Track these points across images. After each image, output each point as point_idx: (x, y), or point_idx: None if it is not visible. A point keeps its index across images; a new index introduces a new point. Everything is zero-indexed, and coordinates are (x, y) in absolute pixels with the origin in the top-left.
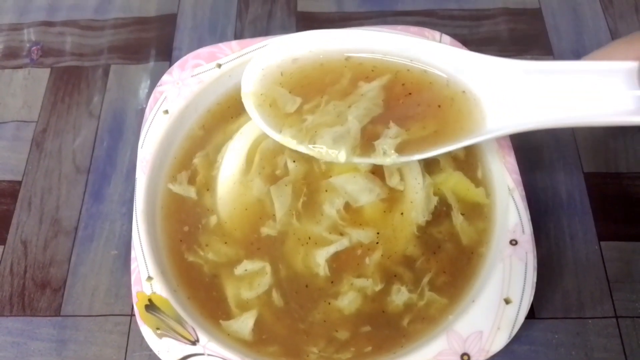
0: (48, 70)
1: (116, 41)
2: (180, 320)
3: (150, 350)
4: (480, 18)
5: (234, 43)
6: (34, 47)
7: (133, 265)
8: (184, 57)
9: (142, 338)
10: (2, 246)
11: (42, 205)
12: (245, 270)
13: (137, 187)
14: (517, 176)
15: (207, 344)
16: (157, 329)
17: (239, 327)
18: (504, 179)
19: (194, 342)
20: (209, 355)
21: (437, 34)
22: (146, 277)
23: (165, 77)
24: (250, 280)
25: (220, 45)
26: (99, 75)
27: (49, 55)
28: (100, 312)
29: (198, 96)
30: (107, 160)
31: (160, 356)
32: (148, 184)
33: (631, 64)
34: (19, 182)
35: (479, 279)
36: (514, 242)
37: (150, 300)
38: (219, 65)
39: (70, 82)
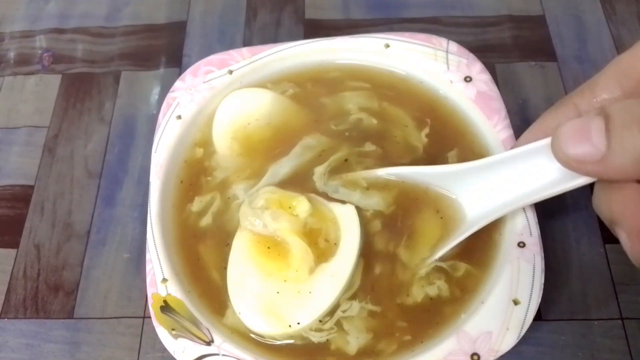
0: (59, 76)
1: (126, 48)
2: (195, 321)
3: (163, 352)
4: (484, 25)
5: (245, 50)
6: (46, 54)
7: (148, 268)
8: (196, 64)
9: (155, 340)
10: (16, 250)
11: (55, 209)
12: None
13: (151, 191)
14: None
15: (222, 345)
16: (173, 329)
17: (235, 321)
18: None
19: (209, 343)
20: (223, 355)
21: (444, 41)
22: (161, 279)
23: (177, 83)
24: None
25: (231, 52)
26: (110, 81)
27: (60, 61)
28: (112, 315)
29: (210, 102)
30: (118, 165)
31: (175, 356)
32: (162, 188)
33: (546, 141)
34: (32, 187)
35: (488, 281)
36: (521, 245)
37: (165, 301)
38: (230, 72)
39: (82, 88)
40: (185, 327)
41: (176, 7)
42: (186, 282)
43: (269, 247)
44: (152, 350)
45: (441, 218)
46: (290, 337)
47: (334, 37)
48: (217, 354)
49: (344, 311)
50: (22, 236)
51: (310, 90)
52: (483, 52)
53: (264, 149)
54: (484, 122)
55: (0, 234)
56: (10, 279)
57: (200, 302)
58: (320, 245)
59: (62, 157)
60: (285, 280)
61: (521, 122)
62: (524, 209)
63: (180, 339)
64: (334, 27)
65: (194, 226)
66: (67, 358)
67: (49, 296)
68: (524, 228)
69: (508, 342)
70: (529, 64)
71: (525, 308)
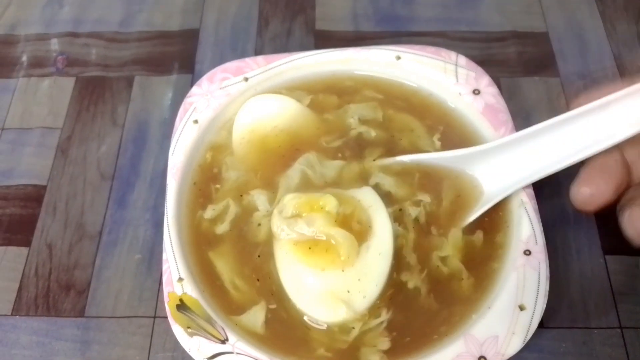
0: (73, 79)
1: (140, 54)
2: (210, 320)
3: (173, 351)
4: (490, 40)
5: (260, 58)
6: (60, 57)
7: (164, 267)
8: (213, 70)
9: (165, 340)
10: (28, 248)
11: (67, 210)
12: None
13: (168, 193)
14: (530, 190)
15: (236, 343)
16: (188, 327)
17: (249, 321)
18: (518, 193)
19: (224, 341)
20: (237, 353)
21: (453, 54)
22: (177, 279)
23: (194, 89)
24: None
25: (247, 59)
26: (123, 86)
27: (74, 65)
28: (123, 314)
29: (225, 107)
30: (131, 168)
31: (191, 354)
32: (178, 190)
33: (551, 121)
34: (44, 187)
35: (495, 287)
36: (527, 252)
37: (181, 300)
38: (246, 79)
39: (95, 91)
40: (200, 326)
41: (189, 15)
42: (199, 282)
43: (310, 248)
44: (162, 350)
45: (459, 196)
46: (363, 319)
47: (346, 48)
48: (232, 352)
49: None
50: (34, 235)
51: (321, 99)
52: (488, 66)
53: (276, 154)
54: (492, 134)
55: (12, 232)
56: (22, 277)
57: (213, 302)
58: (356, 229)
59: (75, 159)
60: (342, 270)
61: None
62: (530, 218)
63: (195, 337)
64: (344, 38)
65: (209, 233)
66: (77, 356)
67: (61, 295)
68: (530, 237)
69: (514, 346)
70: (532, 79)
71: (530, 314)
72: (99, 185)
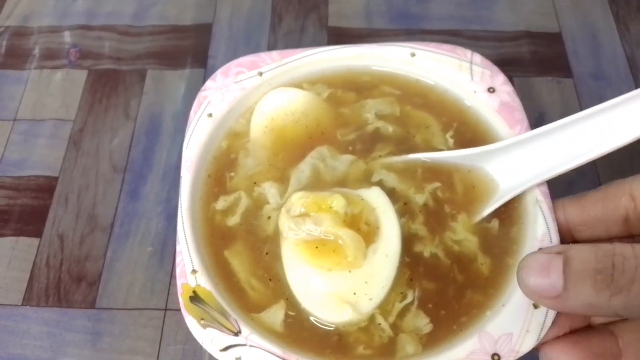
0: (86, 72)
1: (153, 47)
2: (223, 312)
3: (184, 344)
4: (503, 39)
5: (275, 53)
6: (73, 49)
7: (178, 259)
8: (227, 65)
9: (177, 332)
10: (39, 239)
11: (79, 201)
12: None
13: (182, 185)
14: (545, 189)
15: (249, 336)
16: (202, 319)
17: (269, 319)
18: (532, 191)
19: (237, 334)
20: (250, 346)
21: (468, 52)
22: (191, 270)
23: (208, 83)
24: None
25: (262, 54)
26: (136, 79)
27: (87, 57)
28: (135, 306)
29: (240, 101)
30: (143, 161)
31: (204, 345)
32: (192, 182)
33: (563, 121)
34: (56, 178)
35: (509, 284)
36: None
37: (194, 292)
38: (261, 74)
39: (108, 84)
40: (214, 318)
41: (203, 9)
42: (213, 275)
43: (317, 247)
44: (173, 342)
45: (474, 187)
46: (367, 319)
47: (361, 45)
48: (245, 345)
49: (401, 301)
50: (46, 226)
51: (340, 94)
52: (502, 65)
53: (294, 144)
54: (507, 132)
55: (24, 223)
56: (33, 268)
57: (227, 295)
58: (363, 230)
59: (87, 151)
60: (349, 271)
61: None
62: (544, 217)
63: (208, 329)
64: (357, 35)
65: (221, 226)
66: (88, 347)
67: (72, 286)
68: (545, 234)
69: (528, 343)
70: (546, 79)
71: (544, 312)
72: (111, 177)
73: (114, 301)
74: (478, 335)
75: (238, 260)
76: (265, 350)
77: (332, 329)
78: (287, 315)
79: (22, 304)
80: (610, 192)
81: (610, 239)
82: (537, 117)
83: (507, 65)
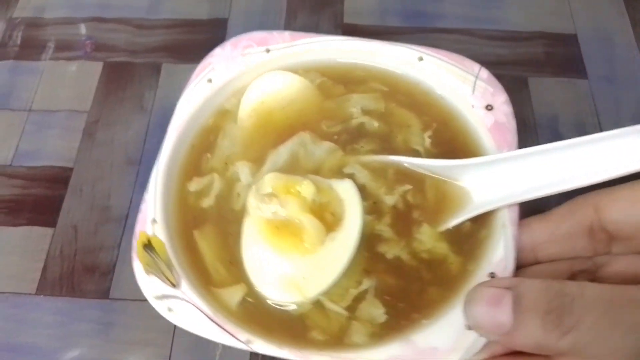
0: (101, 64)
1: (167, 41)
2: (169, 265)
3: (197, 336)
4: (517, 39)
5: (287, 33)
6: (88, 41)
7: (142, 206)
8: (239, 36)
9: None
10: (53, 229)
11: (93, 192)
12: None
13: (166, 137)
14: (515, 215)
15: (186, 291)
16: (148, 266)
17: (226, 297)
18: (502, 215)
19: (175, 286)
20: (183, 299)
21: (476, 66)
22: (151, 219)
23: (216, 50)
24: None
25: (274, 32)
26: (150, 72)
27: (101, 49)
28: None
29: (242, 74)
30: (158, 153)
31: (142, 289)
32: (177, 140)
33: (551, 145)
34: (70, 169)
35: (452, 301)
36: (492, 275)
37: (149, 240)
38: (268, 50)
39: (123, 77)
40: (159, 268)
41: (218, 4)
42: (174, 230)
43: (277, 228)
44: (186, 334)
45: (444, 197)
46: (310, 302)
47: (372, 40)
48: (179, 297)
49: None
50: (60, 216)
51: (329, 85)
52: (516, 65)
53: (278, 129)
54: (493, 151)
55: (37, 212)
56: (46, 257)
57: (182, 253)
58: (327, 219)
59: (102, 142)
60: (303, 255)
61: (551, 135)
62: (506, 243)
63: (151, 276)
64: (371, 32)
65: (194, 206)
66: (100, 337)
67: (85, 276)
68: (500, 261)
69: None
70: (560, 80)
71: (475, 336)
72: (125, 169)
73: (127, 292)
74: (400, 342)
75: (206, 243)
76: (196, 307)
77: (288, 311)
78: (245, 299)
79: (36, 293)
80: (575, 207)
81: (574, 256)
82: (551, 118)
83: (522, 65)
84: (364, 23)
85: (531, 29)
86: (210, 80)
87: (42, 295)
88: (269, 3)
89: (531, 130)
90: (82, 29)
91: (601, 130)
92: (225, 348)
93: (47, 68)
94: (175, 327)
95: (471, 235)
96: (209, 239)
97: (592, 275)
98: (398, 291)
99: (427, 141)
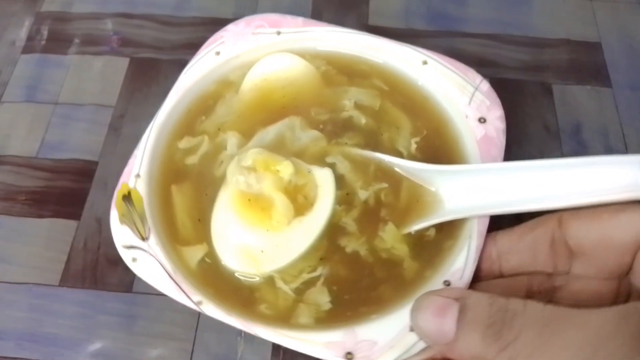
0: (127, 59)
1: (193, 39)
2: (143, 218)
3: (220, 332)
4: (542, 46)
5: (300, 19)
6: (115, 37)
7: (130, 160)
8: (253, 16)
9: (213, 319)
10: (77, 222)
11: None
12: None
13: (166, 101)
14: (483, 229)
15: (152, 246)
16: (123, 216)
17: (188, 255)
18: (471, 226)
19: (144, 239)
20: (148, 253)
21: (478, 78)
22: (136, 174)
23: (230, 26)
24: None
25: (288, 16)
26: (176, 69)
27: (128, 45)
28: None
29: (249, 52)
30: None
31: (113, 236)
32: (175, 103)
33: (532, 163)
34: (96, 163)
35: (401, 302)
36: (446, 283)
37: (129, 192)
38: (279, 33)
39: (149, 73)
40: (132, 219)
41: (244, 3)
42: (156, 185)
43: (249, 200)
44: (208, 330)
45: (417, 201)
46: (261, 276)
47: (380, 38)
48: (145, 250)
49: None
50: (84, 209)
51: (333, 74)
52: (540, 71)
53: (271, 109)
54: (475, 163)
55: (62, 205)
56: (70, 250)
57: (158, 206)
58: (299, 201)
59: (127, 137)
60: (267, 230)
61: (576, 143)
62: (467, 255)
63: (124, 226)
64: (396, 35)
65: (179, 162)
66: (122, 330)
67: (108, 269)
68: (458, 270)
69: (385, 358)
70: (584, 88)
71: (416, 338)
72: None
73: (149, 286)
74: (344, 331)
75: (181, 198)
76: (158, 262)
77: (242, 281)
78: (204, 259)
79: (59, 285)
80: (541, 220)
81: (534, 270)
82: (575, 126)
83: (546, 71)
84: (389, 25)
85: (556, 35)
86: (218, 53)
87: (65, 287)
88: (295, 3)
89: (554, 138)
90: (109, 24)
91: (624, 139)
92: (247, 342)
93: (73, 62)
94: (198, 323)
95: (435, 244)
96: (184, 195)
97: (549, 296)
98: (347, 284)
99: (413, 146)
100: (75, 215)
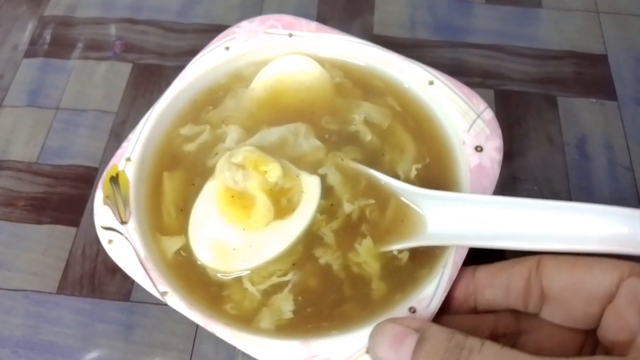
0: (130, 65)
1: (197, 45)
2: (126, 202)
3: (218, 343)
4: (547, 58)
5: (314, 24)
6: (118, 42)
7: (124, 144)
8: (268, 15)
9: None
10: (76, 228)
11: None
12: None
13: (168, 89)
14: (460, 259)
15: (131, 231)
16: (107, 197)
17: (165, 245)
18: (449, 255)
19: (123, 223)
20: (124, 237)
21: (482, 105)
22: (127, 157)
23: (244, 23)
24: None
25: (303, 20)
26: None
27: (131, 51)
28: None
29: (258, 51)
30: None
31: (94, 215)
32: (178, 94)
33: (518, 200)
34: (96, 169)
35: (363, 323)
36: (412, 310)
37: (117, 174)
38: (290, 35)
39: (152, 79)
40: (115, 202)
41: (248, 10)
42: (146, 173)
43: (232, 196)
44: (207, 341)
45: (402, 221)
46: (228, 275)
47: (391, 52)
48: (121, 234)
49: (279, 276)
50: (84, 216)
51: (348, 87)
52: (545, 84)
53: (280, 111)
54: (465, 191)
55: (61, 211)
56: (69, 257)
57: (145, 197)
58: (282, 204)
59: None
60: (244, 229)
61: (579, 156)
62: (438, 284)
63: (106, 207)
64: (400, 44)
65: (176, 148)
66: (120, 339)
67: (106, 277)
68: (426, 298)
69: None
70: (589, 101)
71: None
72: None
73: (148, 295)
74: (301, 343)
75: (170, 185)
76: (132, 247)
77: (212, 278)
78: (179, 252)
79: (57, 292)
80: (521, 260)
81: (506, 307)
82: (580, 139)
83: (551, 84)
84: (394, 35)
85: (561, 47)
86: (227, 48)
87: (63, 295)
88: (299, 11)
89: (558, 151)
90: (113, 29)
91: (629, 153)
92: (245, 354)
93: (76, 67)
94: (197, 333)
95: (406, 270)
96: (174, 182)
97: (514, 340)
98: (313, 296)
99: (413, 172)
100: (74, 222)
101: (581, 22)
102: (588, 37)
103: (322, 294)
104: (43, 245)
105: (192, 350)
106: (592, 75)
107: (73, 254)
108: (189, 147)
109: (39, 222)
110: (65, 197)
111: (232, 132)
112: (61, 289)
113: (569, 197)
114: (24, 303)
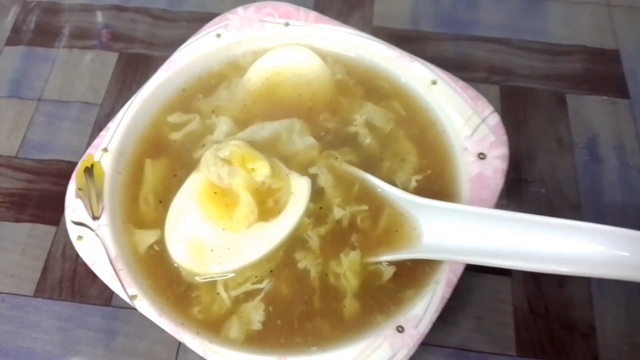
0: (116, 55)
1: (187, 35)
2: (99, 195)
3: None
4: (556, 53)
5: (313, 15)
6: (104, 30)
7: (102, 133)
8: (266, 2)
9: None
10: (56, 227)
11: None
12: None
13: (152, 77)
14: (455, 275)
15: (101, 227)
16: (80, 189)
17: (138, 239)
18: (442, 272)
19: (95, 219)
20: (95, 234)
21: (488, 109)
22: (104, 148)
23: (239, 9)
24: None
25: (301, 9)
26: None
27: (118, 40)
28: None
29: (252, 41)
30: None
31: (66, 208)
32: (165, 80)
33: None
34: None
35: (356, 339)
36: (400, 329)
37: (92, 165)
38: (287, 24)
39: (139, 70)
40: (89, 195)
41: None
42: (124, 163)
43: (215, 193)
44: (191, 350)
45: (396, 231)
46: (203, 278)
47: (394, 48)
48: (92, 230)
49: (253, 283)
50: (64, 214)
51: (351, 85)
52: (553, 80)
53: (276, 105)
54: (465, 201)
55: (41, 209)
56: (47, 257)
57: (122, 187)
58: (268, 205)
59: None
60: (223, 229)
61: (589, 157)
62: (429, 302)
63: (78, 200)
64: (402, 36)
65: (162, 135)
66: (101, 347)
67: (87, 280)
68: (415, 317)
69: None
70: (600, 98)
71: None
72: None
73: None
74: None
75: (152, 173)
76: (103, 246)
77: (183, 277)
78: (153, 246)
79: (34, 295)
80: None
81: None
82: (590, 138)
83: (559, 80)
84: (395, 27)
85: (571, 42)
86: (219, 35)
87: (40, 298)
88: (296, 2)
89: (567, 151)
90: (99, 17)
91: None
92: None
93: (60, 56)
94: (180, 342)
95: (391, 293)
96: (156, 171)
97: None
98: (283, 307)
99: (413, 184)
100: (54, 220)
101: (592, 15)
102: (599, 31)
103: (292, 303)
104: (22, 245)
105: (176, 359)
106: (603, 72)
107: (52, 254)
108: (175, 136)
109: (18, 220)
110: (46, 194)
111: (222, 124)
112: (39, 292)
113: (578, 202)
114: (0, 307)
